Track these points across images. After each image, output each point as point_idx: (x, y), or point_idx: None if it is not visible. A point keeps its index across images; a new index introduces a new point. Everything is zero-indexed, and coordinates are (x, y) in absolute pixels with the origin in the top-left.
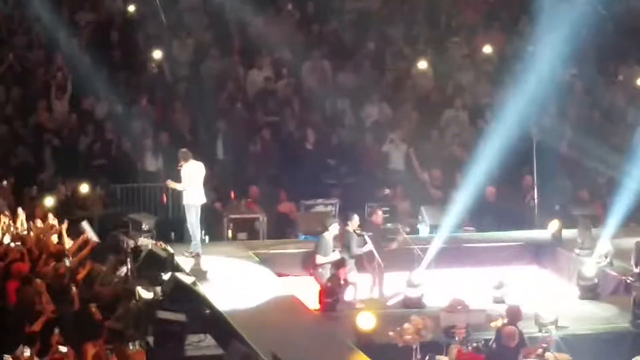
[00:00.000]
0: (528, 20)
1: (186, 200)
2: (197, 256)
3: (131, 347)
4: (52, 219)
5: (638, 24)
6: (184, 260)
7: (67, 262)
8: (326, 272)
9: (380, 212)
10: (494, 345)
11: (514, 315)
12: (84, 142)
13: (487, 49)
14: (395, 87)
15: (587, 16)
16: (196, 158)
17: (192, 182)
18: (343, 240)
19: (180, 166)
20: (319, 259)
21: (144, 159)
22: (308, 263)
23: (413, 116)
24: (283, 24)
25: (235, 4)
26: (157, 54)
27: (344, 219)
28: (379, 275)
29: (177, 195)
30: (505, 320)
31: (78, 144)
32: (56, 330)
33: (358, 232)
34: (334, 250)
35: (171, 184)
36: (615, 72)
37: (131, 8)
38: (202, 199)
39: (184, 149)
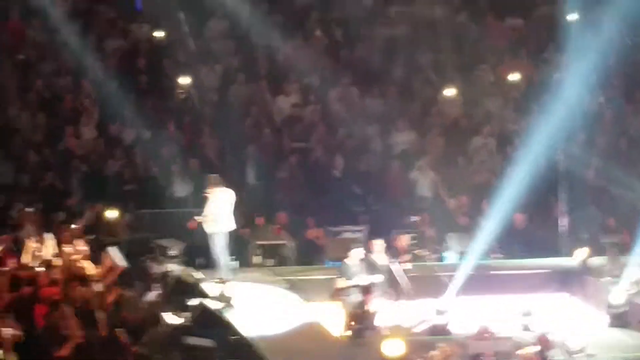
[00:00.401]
0: (555, 48)
1: (213, 228)
2: (225, 282)
3: None
4: (80, 245)
5: None
6: (211, 287)
7: (96, 288)
8: (352, 298)
9: (405, 237)
10: None
11: (544, 344)
12: (111, 168)
13: (514, 76)
14: (422, 114)
15: (615, 44)
16: (225, 184)
17: (219, 209)
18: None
19: (208, 192)
20: (339, 283)
21: (172, 185)
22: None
23: (440, 143)
24: (311, 49)
25: (262, 29)
26: (185, 80)
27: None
28: (406, 302)
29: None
30: (534, 349)
31: (106, 169)
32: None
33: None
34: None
35: (198, 219)
36: None
37: (159, 34)
38: (232, 226)
39: (214, 175)
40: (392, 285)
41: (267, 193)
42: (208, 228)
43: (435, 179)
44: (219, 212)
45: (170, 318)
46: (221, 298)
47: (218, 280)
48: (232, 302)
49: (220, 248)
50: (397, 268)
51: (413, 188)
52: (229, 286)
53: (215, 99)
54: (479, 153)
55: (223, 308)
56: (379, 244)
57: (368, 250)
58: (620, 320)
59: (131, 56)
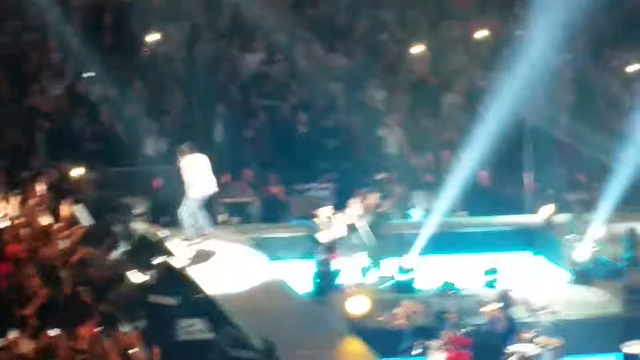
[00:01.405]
0: (522, 4)
1: (192, 194)
2: (187, 240)
3: (123, 331)
4: (44, 203)
5: (632, 10)
6: (176, 245)
7: (60, 246)
8: (318, 257)
9: (373, 196)
10: (484, 330)
11: (507, 301)
12: (77, 125)
13: (481, 33)
14: (388, 71)
15: (582, 2)
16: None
17: (196, 174)
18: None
19: (181, 162)
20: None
21: (139, 142)
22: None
23: (406, 100)
24: (277, 6)
25: None
26: (151, 37)
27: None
28: (371, 259)
29: (170, 180)
30: (497, 305)
31: (71, 127)
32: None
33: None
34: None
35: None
36: (609, 58)
37: None
38: (212, 188)
39: (184, 144)
40: (358, 242)
41: (234, 151)
42: (188, 193)
43: (402, 137)
44: (196, 178)
45: (135, 276)
46: (186, 256)
47: (187, 239)
48: (197, 260)
49: (192, 210)
50: (364, 225)
51: (380, 146)
52: (195, 244)
53: (182, 56)
54: (445, 110)
55: (186, 266)
56: (351, 203)
57: (336, 208)
58: (584, 277)
59: (97, 13)
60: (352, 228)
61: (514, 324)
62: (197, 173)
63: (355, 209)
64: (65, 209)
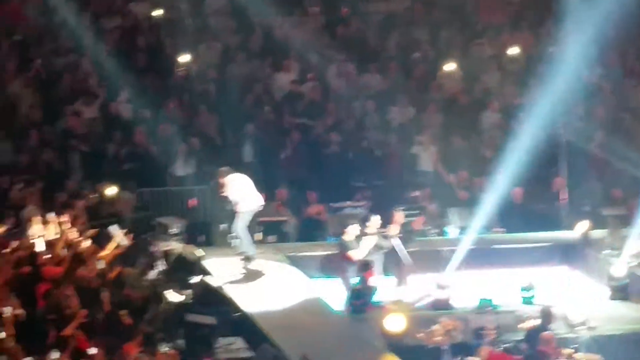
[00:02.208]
0: (554, 21)
1: (243, 209)
2: (249, 259)
3: (162, 350)
4: (81, 224)
5: None
6: (213, 263)
7: (98, 266)
8: (353, 274)
9: (401, 213)
10: (528, 348)
11: (546, 317)
12: (111, 147)
13: (513, 50)
14: (421, 89)
15: (613, 17)
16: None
17: (241, 192)
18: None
19: (222, 189)
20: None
21: (172, 163)
22: (334, 265)
23: (439, 118)
24: (309, 26)
25: (260, 6)
26: (184, 58)
27: (364, 222)
28: (405, 277)
29: (206, 199)
30: (536, 322)
31: (105, 148)
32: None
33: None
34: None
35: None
36: None
37: (157, 12)
38: (260, 202)
39: (222, 168)
40: (393, 260)
41: (268, 170)
42: (237, 208)
43: (436, 154)
44: (243, 194)
45: (172, 296)
46: (225, 274)
47: (244, 256)
48: (235, 278)
49: (243, 226)
50: (398, 243)
51: (414, 163)
52: (233, 262)
53: (215, 76)
54: (479, 127)
55: (224, 285)
56: (376, 221)
57: (366, 226)
58: (621, 292)
59: (130, 35)
60: (387, 245)
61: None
62: (246, 190)
63: (377, 225)
64: (104, 232)
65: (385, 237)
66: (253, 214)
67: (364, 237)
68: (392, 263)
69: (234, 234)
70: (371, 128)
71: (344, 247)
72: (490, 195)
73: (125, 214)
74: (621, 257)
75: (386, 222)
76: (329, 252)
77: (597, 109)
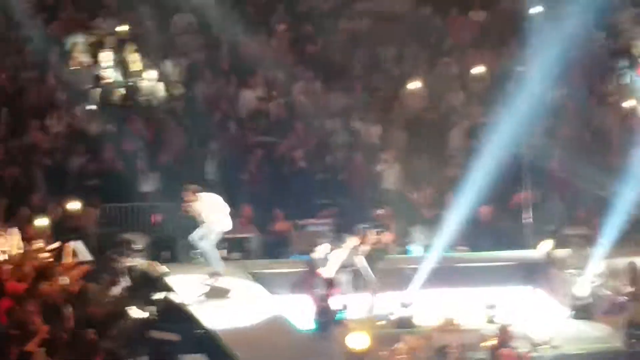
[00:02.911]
0: (518, 41)
1: (215, 228)
2: (215, 275)
3: None
4: (45, 239)
5: (627, 45)
6: (177, 280)
7: (61, 282)
8: (318, 292)
9: (369, 231)
10: None
11: (509, 336)
12: (76, 162)
13: (478, 69)
14: (386, 108)
15: (578, 36)
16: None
17: (213, 211)
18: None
19: (187, 205)
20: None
21: (137, 179)
22: (302, 282)
23: (404, 136)
24: (275, 44)
25: (227, 23)
26: (151, 74)
27: (338, 240)
28: (372, 295)
29: (170, 215)
30: (498, 340)
31: (70, 163)
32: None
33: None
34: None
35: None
36: (605, 93)
37: (123, 28)
38: (229, 224)
39: (191, 185)
40: (357, 278)
41: (231, 187)
42: (206, 226)
43: (400, 172)
44: (217, 214)
45: (136, 312)
46: (189, 291)
47: (210, 273)
48: (199, 295)
49: (211, 244)
50: (362, 262)
51: (378, 181)
52: (197, 279)
53: (181, 93)
54: (443, 146)
55: (187, 302)
56: (344, 239)
57: (334, 244)
58: (585, 312)
59: (97, 50)
60: (351, 263)
61: None
62: (217, 209)
63: (353, 244)
64: (66, 246)
65: (354, 255)
66: (221, 234)
67: (332, 255)
68: (360, 281)
69: (198, 251)
70: (336, 146)
71: (312, 265)
72: (454, 214)
73: (89, 230)
74: (584, 276)
75: (354, 239)
76: (294, 270)
77: (560, 129)
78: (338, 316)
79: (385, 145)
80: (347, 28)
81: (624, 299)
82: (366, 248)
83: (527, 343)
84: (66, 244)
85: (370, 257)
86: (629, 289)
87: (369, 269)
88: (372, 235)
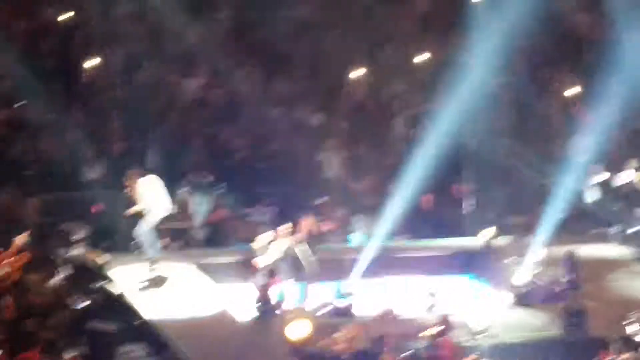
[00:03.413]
0: (461, 29)
1: (153, 214)
2: (155, 262)
3: (65, 357)
4: None
5: (570, 33)
6: (117, 270)
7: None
8: (259, 281)
9: (309, 220)
10: (427, 355)
11: (448, 324)
12: (16, 152)
13: (421, 58)
14: (329, 96)
15: (519, 26)
16: (130, 167)
17: (154, 196)
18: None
19: (129, 189)
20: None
21: (78, 168)
22: (243, 272)
23: (347, 124)
24: (217, 32)
25: (169, 12)
26: (91, 63)
27: (279, 229)
28: (312, 284)
29: (111, 205)
30: (437, 329)
31: (10, 152)
32: None
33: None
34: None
35: (131, 211)
36: (547, 81)
37: (65, 16)
38: (169, 207)
39: (133, 169)
40: (297, 267)
41: (173, 176)
42: (145, 212)
43: (342, 161)
44: (153, 197)
45: (76, 302)
46: (130, 280)
47: (149, 261)
48: (141, 284)
49: (151, 230)
50: (304, 250)
51: (321, 170)
52: (140, 269)
53: (122, 81)
54: (386, 134)
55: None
56: (285, 228)
57: (275, 233)
58: (524, 300)
59: (37, 38)
60: (291, 252)
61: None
62: (157, 193)
63: (294, 233)
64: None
65: (294, 243)
66: (161, 219)
67: (273, 244)
68: (300, 270)
69: (138, 240)
70: (278, 134)
71: (252, 254)
72: (395, 203)
73: (29, 220)
74: (524, 265)
75: (295, 228)
76: (236, 259)
77: (503, 117)
78: (278, 305)
79: (328, 134)
80: (289, 16)
81: (562, 287)
82: (306, 237)
83: (466, 332)
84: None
85: (310, 246)
86: (568, 277)
87: (309, 258)
88: (311, 224)
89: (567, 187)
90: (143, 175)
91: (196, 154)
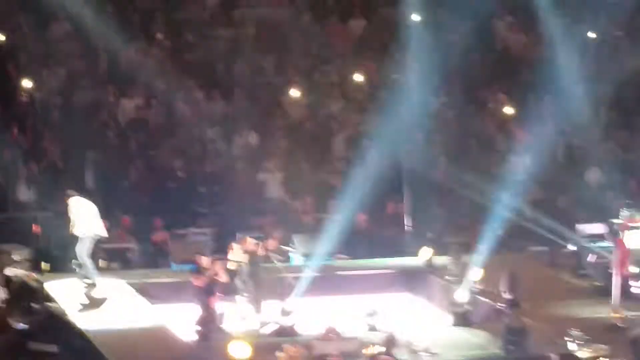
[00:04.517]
0: (398, 48)
1: (81, 232)
2: (94, 285)
3: None
4: None
5: (505, 53)
6: (57, 290)
7: None
8: (200, 301)
9: (249, 240)
10: None
11: (389, 343)
12: None
13: (358, 78)
14: (266, 116)
15: (455, 45)
16: (67, 187)
17: (83, 215)
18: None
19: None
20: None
21: (15, 189)
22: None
23: (284, 144)
24: (155, 52)
25: (106, 32)
26: (28, 83)
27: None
28: (253, 304)
29: (49, 226)
30: (380, 348)
31: None
32: None
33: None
34: None
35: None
36: (484, 100)
37: (0, 37)
38: (101, 231)
39: (68, 189)
40: (239, 286)
41: (111, 196)
42: (77, 232)
43: (281, 181)
44: (84, 218)
45: (15, 323)
46: (68, 301)
47: (87, 283)
48: (79, 305)
49: (86, 251)
50: (243, 270)
51: (259, 190)
52: (76, 289)
53: (59, 102)
54: (323, 154)
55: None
56: (234, 247)
57: (214, 253)
58: (464, 319)
59: None
60: (232, 272)
61: None
62: (87, 215)
63: (234, 253)
64: None
65: (235, 263)
66: (94, 240)
67: (215, 263)
68: (241, 289)
69: (77, 260)
70: (216, 154)
71: (193, 274)
72: (334, 222)
73: None
74: (463, 283)
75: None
76: (174, 279)
77: (440, 136)
78: (218, 325)
79: (266, 154)
80: (227, 36)
81: (502, 305)
82: (246, 256)
83: (407, 350)
84: None
85: (251, 265)
86: (507, 295)
87: (250, 277)
88: (250, 244)
89: (505, 205)
90: (73, 195)
91: (134, 174)
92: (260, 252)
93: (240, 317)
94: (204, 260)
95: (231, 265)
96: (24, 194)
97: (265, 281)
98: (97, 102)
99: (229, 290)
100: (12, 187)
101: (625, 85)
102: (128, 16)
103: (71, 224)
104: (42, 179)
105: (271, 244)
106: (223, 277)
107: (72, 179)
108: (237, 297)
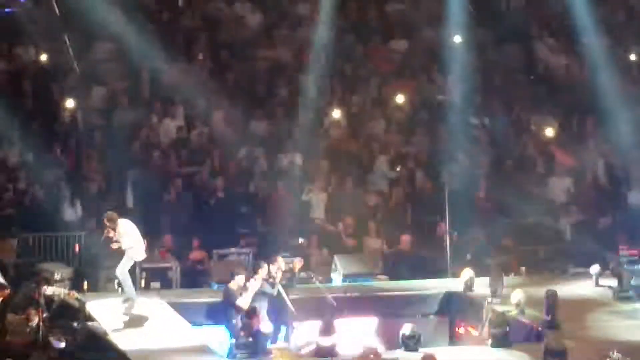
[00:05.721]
0: (439, 69)
1: (132, 256)
2: (133, 305)
3: None
4: None
5: (546, 74)
6: (97, 309)
7: None
8: (239, 321)
9: (280, 259)
10: None
11: None
12: None
13: (399, 98)
14: (308, 136)
15: (497, 66)
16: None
17: (135, 237)
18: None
19: (109, 232)
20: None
21: (57, 208)
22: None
23: (325, 165)
24: (196, 72)
25: (147, 52)
26: (70, 103)
27: (250, 269)
28: (290, 324)
29: (90, 245)
30: None
31: None
32: None
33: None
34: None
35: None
36: (526, 121)
37: (44, 57)
38: (141, 252)
39: (110, 212)
40: (279, 307)
41: (151, 216)
42: (128, 254)
43: (323, 201)
44: (135, 241)
45: (56, 342)
46: (109, 321)
47: (128, 302)
48: (119, 325)
49: (125, 271)
50: (279, 290)
51: (301, 210)
52: (118, 309)
53: (101, 122)
54: (365, 175)
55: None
56: (264, 268)
57: (253, 273)
58: (503, 340)
59: (16, 79)
60: (268, 292)
61: None
62: (133, 236)
63: (266, 273)
64: None
65: (271, 284)
66: (139, 260)
67: (250, 284)
68: (277, 310)
69: (118, 279)
70: (257, 174)
71: (229, 295)
72: (375, 243)
73: (6, 260)
74: (503, 304)
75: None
76: (213, 299)
77: (481, 157)
78: (259, 345)
79: (307, 175)
80: (268, 56)
81: (542, 327)
82: (278, 276)
83: None
84: None
85: (288, 286)
86: (547, 317)
87: (286, 297)
88: (281, 263)
89: (546, 227)
90: (119, 217)
91: (174, 194)
92: (290, 271)
93: (279, 337)
94: (239, 279)
95: (257, 284)
96: (67, 213)
97: (306, 301)
98: (138, 121)
99: (266, 310)
100: (55, 207)
101: None
102: (170, 36)
103: (118, 244)
104: (85, 198)
105: (298, 263)
106: (249, 296)
107: (114, 199)
108: (274, 317)
